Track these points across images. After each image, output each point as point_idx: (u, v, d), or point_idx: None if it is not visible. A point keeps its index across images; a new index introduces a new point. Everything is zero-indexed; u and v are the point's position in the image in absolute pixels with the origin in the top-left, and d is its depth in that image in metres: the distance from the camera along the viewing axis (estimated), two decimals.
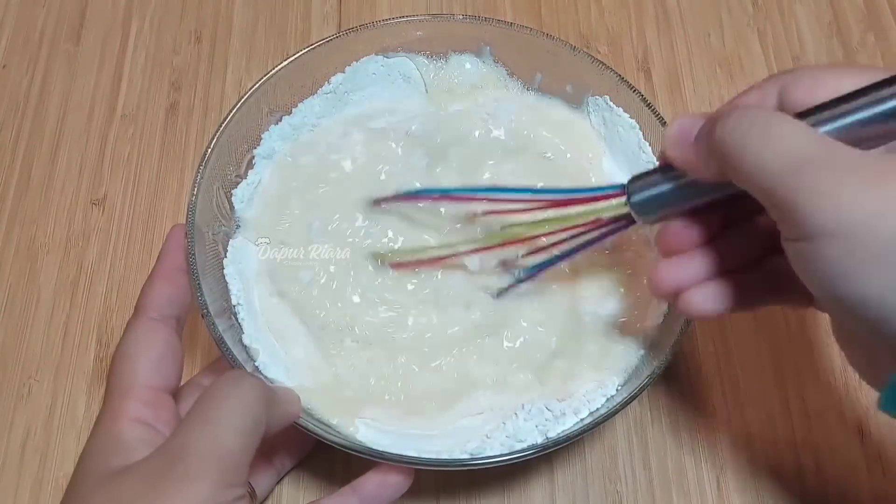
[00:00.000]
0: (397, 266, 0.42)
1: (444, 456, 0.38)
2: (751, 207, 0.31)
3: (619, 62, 0.56)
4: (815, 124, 0.29)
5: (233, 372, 0.34)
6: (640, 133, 0.45)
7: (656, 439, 0.44)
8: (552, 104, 0.48)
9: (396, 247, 0.43)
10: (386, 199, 0.43)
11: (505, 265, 0.42)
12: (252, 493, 0.37)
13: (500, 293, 0.42)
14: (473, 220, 0.43)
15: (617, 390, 0.40)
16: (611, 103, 0.45)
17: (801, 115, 0.29)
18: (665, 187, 0.33)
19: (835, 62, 0.31)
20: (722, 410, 0.45)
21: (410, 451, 0.37)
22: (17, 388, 0.45)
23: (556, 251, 0.39)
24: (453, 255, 0.41)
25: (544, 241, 0.39)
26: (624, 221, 0.36)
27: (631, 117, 0.45)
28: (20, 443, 0.44)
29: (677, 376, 0.46)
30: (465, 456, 0.38)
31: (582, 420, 0.38)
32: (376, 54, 0.47)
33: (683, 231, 0.34)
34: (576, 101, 0.47)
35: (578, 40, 0.56)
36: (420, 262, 0.42)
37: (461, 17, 0.47)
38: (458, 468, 0.37)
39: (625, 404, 0.37)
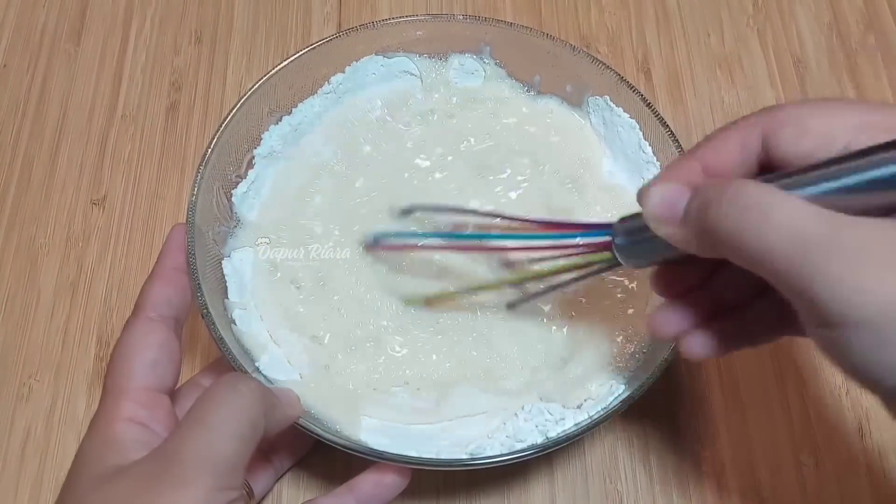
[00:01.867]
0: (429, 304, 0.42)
1: (444, 456, 0.38)
2: None
3: (619, 62, 0.56)
4: (812, 185, 0.26)
5: (231, 375, 0.34)
6: (641, 133, 0.45)
7: (656, 439, 0.44)
8: (552, 104, 0.48)
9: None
10: (377, 245, 0.42)
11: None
12: (249, 493, 0.37)
13: (511, 305, 0.42)
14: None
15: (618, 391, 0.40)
16: (611, 103, 0.45)
17: (794, 173, 0.27)
18: (651, 240, 0.31)
19: (820, 100, 0.28)
20: (722, 409, 0.45)
21: (410, 451, 0.37)
22: (18, 388, 0.45)
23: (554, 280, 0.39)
24: (467, 293, 0.42)
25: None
26: (604, 264, 0.35)
27: (631, 117, 0.45)
28: (20, 443, 0.44)
29: (677, 376, 0.46)
30: (465, 456, 0.38)
31: (582, 421, 0.38)
32: (376, 54, 0.47)
33: (677, 276, 0.34)
34: (576, 102, 0.47)
35: (578, 40, 0.56)
36: (443, 301, 0.42)
37: (461, 17, 0.47)
38: (457, 468, 0.37)
39: (626, 405, 0.37)
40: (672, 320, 0.33)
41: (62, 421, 0.45)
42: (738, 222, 0.26)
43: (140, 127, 0.53)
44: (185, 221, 0.39)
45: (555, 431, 0.38)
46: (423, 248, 0.42)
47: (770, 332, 0.33)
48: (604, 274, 0.37)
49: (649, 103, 0.43)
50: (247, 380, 0.33)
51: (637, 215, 0.32)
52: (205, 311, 0.37)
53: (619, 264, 0.34)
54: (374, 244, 0.42)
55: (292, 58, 0.44)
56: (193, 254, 0.38)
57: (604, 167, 0.46)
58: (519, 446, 0.38)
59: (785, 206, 0.26)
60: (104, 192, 0.51)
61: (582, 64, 0.45)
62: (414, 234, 0.42)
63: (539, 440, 0.38)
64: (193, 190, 0.40)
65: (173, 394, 0.36)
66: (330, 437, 0.36)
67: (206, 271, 0.40)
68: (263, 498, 0.41)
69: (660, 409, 0.45)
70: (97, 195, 0.51)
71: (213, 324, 0.37)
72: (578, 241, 0.35)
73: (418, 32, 0.47)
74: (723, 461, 0.44)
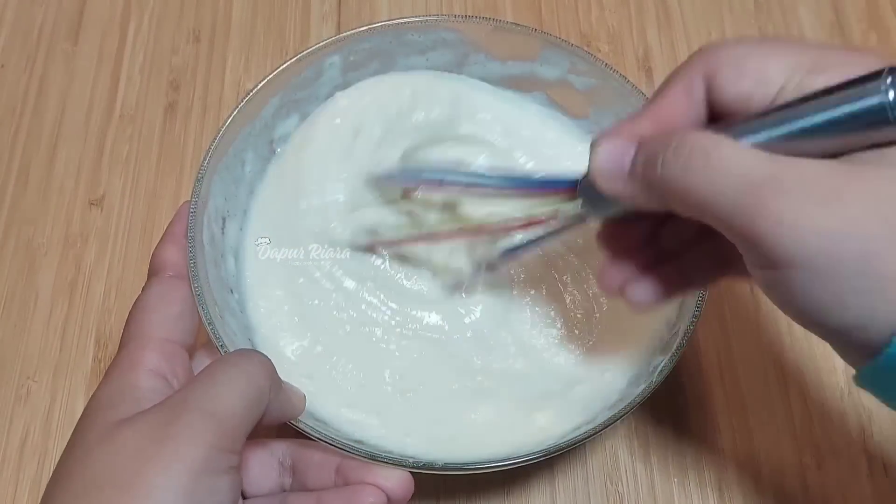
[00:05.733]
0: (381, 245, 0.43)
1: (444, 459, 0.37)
2: None
3: (620, 61, 0.56)
4: (757, 133, 0.27)
5: (244, 348, 0.34)
6: None
7: (657, 440, 0.44)
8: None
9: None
10: (385, 179, 0.43)
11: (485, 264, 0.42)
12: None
13: (491, 266, 0.42)
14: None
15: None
16: None
17: (738, 123, 0.27)
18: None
19: (756, 39, 0.29)
20: (724, 411, 0.45)
21: (409, 455, 0.37)
22: (16, 388, 0.45)
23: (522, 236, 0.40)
24: (431, 238, 0.42)
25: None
26: (578, 217, 0.36)
27: None
28: (19, 443, 0.44)
29: (679, 377, 0.46)
30: (466, 461, 0.37)
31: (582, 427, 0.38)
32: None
33: (623, 233, 0.35)
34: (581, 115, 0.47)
35: (579, 39, 0.56)
36: (400, 242, 0.42)
37: (462, 17, 0.47)
38: (457, 472, 0.37)
39: (631, 408, 0.36)
40: (616, 274, 0.34)
41: (61, 422, 0.45)
42: (684, 171, 0.27)
43: (138, 127, 0.53)
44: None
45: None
46: (427, 182, 0.41)
47: (710, 274, 0.34)
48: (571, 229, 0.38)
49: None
50: (259, 353, 0.34)
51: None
52: (205, 310, 0.37)
53: (583, 218, 0.35)
54: (379, 181, 0.43)
55: (295, 58, 0.44)
56: (194, 255, 0.38)
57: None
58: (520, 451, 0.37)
59: (728, 151, 0.26)
60: (102, 192, 0.51)
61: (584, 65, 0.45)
62: (417, 173, 0.42)
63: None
64: (194, 190, 0.40)
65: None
66: (328, 438, 0.36)
67: (207, 272, 0.39)
68: None
69: (661, 410, 0.45)
70: (95, 195, 0.51)
71: (213, 324, 0.37)
72: (548, 187, 0.36)
73: (418, 34, 0.46)
74: (724, 463, 0.44)
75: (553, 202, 0.36)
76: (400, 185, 0.43)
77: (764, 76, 0.28)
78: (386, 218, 0.43)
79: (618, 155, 0.30)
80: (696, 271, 0.34)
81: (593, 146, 0.31)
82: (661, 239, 0.34)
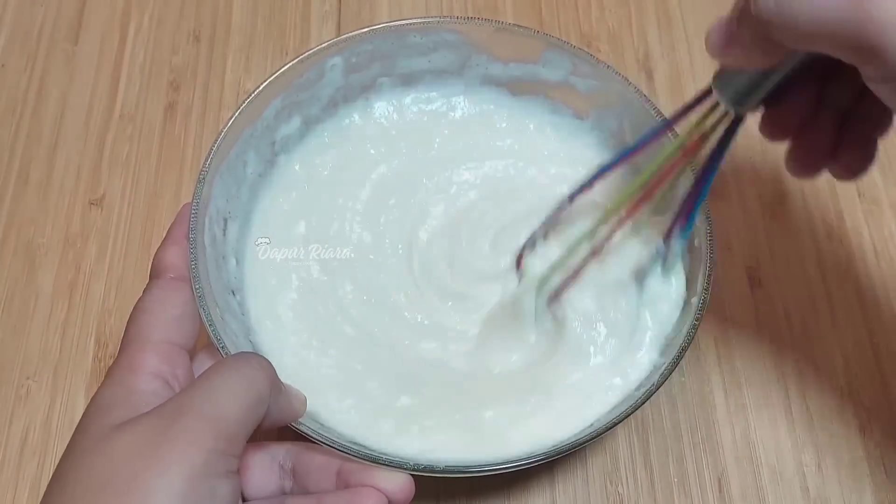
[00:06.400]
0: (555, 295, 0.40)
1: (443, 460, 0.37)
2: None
3: (620, 61, 0.56)
4: None
5: (244, 351, 0.34)
6: None
7: (657, 440, 0.44)
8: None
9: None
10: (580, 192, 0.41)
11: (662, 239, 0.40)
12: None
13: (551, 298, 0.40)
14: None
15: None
16: None
17: None
18: (737, 75, 0.33)
19: None
20: (723, 411, 0.45)
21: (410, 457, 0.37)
22: (16, 389, 0.45)
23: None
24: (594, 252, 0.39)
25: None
26: (726, 126, 0.35)
27: None
28: (18, 444, 0.44)
29: (679, 377, 0.46)
30: (465, 462, 0.37)
31: (586, 428, 0.38)
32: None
33: (789, 115, 0.35)
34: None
35: (579, 39, 0.56)
36: (574, 273, 0.40)
37: (464, 18, 0.47)
38: (456, 475, 0.37)
39: (632, 410, 0.36)
40: (810, 160, 0.35)
41: (60, 422, 0.44)
42: (781, 3, 0.27)
43: (138, 127, 0.53)
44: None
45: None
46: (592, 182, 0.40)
47: (876, 133, 0.35)
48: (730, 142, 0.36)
49: (654, 106, 0.43)
50: (258, 356, 0.33)
51: (721, 70, 0.33)
52: (205, 311, 0.37)
53: (732, 125, 0.34)
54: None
55: (298, 58, 0.43)
56: (195, 257, 0.38)
57: None
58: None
59: None
60: (102, 192, 0.51)
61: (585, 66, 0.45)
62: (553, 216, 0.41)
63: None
64: (195, 191, 0.40)
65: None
66: (326, 439, 0.36)
67: (207, 272, 0.39)
68: None
69: (662, 410, 0.45)
70: (95, 195, 0.51)
71: (213, 324, 0.37)
72: (686, 111, 0.36)
73: (419, 36, 0.46)
74: (724, 462, 0.44)
75: (690, 130, 0.36)
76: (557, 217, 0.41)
77: None
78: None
79: (722, 26, 0.30)
80: (861, 137, 0.35)
81: (705, 39, 0.31)
82: (820, 113, 0.35)
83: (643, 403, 0.36)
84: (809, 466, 0.44)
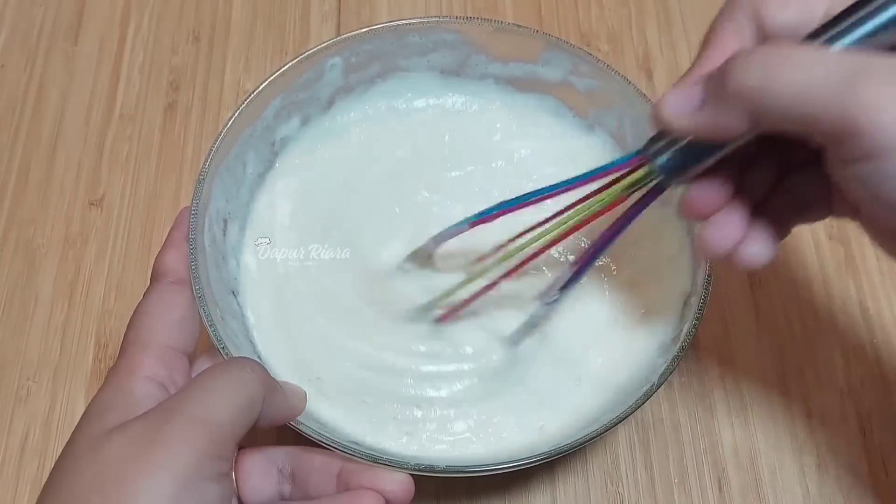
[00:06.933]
0: (444, 317, 0.41)
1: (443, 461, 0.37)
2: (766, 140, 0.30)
3: (620, 61, 0.56)
4: (824, 38, 0.28)
5: (238, 357, 0.34)
6: None
7: (658, 440, 0.44)
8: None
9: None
10: (429, 247, 0.41)
11: (543, 294, 0.39)
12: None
13: (516, 337, 0.40)
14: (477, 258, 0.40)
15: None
16: None
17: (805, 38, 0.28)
18: (681, 145, 0.31)
19: None
20: (723, 411, 0.45)
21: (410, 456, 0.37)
22: (16, 389, 0.45)
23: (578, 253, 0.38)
24: (489, 285, 0.39)
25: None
26: (652, 192, 0.33)
27: None
28: (19, 445, 0.44)
29: (679, 377, 0.46)
30: (465, 462, 0.37)
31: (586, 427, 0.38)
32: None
33: (712, 190, 0.32)
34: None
35: (579, 39, 0.56)
36: (465, 303, 0.40)
37: (464, 18, 0.47)
38: (456, 475, 0.37)
39: (632, 410, 0.36)
40: (722, 235, 0.32)
41: (61, 423, 0.44)
42: (764, 75, 0.27)
43: (138, 127, 0.53)
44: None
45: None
46: (470, 226, 0.39)
47: (791, 219, 0.33)
48: (643, 210, 0.35)
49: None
50: (252, 360, 0.34)
51: (658, 133, 0.32)
52: (206, 312, 0.37)
53: (656, 192, 0.33)
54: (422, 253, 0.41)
55: (299, 57, 0.43)
56: (195, 258, 0.38)
57: None
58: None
59: (808, 50, 0.27)
60: (102, 193, 0.51)
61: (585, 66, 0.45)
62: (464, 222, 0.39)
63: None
64: (195, 191, 0.40)
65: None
66: (326, 438, 0.36)
67: (207, 273, 0.39)
68: None
69: (662, 410, 0.45)
70: (95, 195, 0.51)
71: (214, 325, 0.37)
72: (611, 170, 0.34)
73: (418, 36, 0.46)
74: (725, 462, 0.44)
75: (619, 187, 0.34)
76: (451, 236, 0.39)
77: (808, 3, 0.28)
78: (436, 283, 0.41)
79: (685, 94, 0.29)
80: (780, 220, 0.33)
81: (656, 104, 0.30)
82: (743, 190, 0.33)
83: (643, 403, 0.36)
84: (809, 466, 0.44)
